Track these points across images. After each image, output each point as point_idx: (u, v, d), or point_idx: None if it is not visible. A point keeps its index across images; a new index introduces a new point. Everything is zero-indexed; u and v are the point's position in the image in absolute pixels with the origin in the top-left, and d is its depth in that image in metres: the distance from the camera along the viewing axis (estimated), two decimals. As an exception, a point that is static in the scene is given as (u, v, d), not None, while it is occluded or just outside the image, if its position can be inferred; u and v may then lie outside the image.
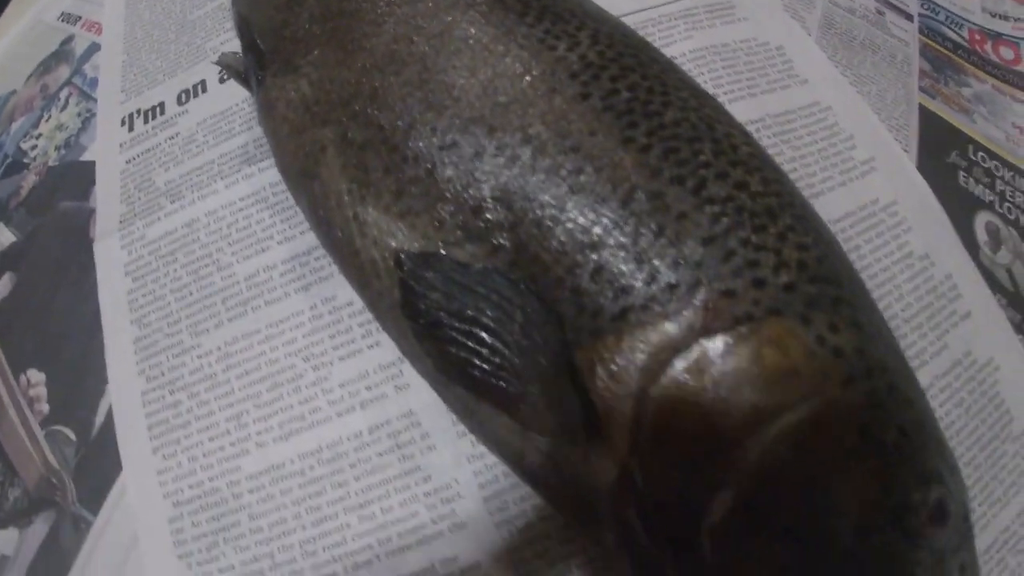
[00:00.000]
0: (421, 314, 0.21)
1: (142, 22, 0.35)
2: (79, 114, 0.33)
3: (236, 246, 0.30)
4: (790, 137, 0.34)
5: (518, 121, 0.22)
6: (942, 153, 0.38)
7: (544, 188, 0.21)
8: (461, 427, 0.27)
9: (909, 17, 0.44)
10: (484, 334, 0.20)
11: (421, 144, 0.22)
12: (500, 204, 0.21)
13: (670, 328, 0.19)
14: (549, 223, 0.21)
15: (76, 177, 0.32)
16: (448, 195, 0.22)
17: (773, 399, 0.19)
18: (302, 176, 0.25)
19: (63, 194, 0.32)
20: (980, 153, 0.40)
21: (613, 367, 0.19)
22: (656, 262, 0.20)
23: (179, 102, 0.33)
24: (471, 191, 0.22)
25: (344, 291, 0.29)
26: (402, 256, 0.22)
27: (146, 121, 0.33)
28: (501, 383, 0.20)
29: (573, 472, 0.21)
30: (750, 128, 0.25)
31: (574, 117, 0.22)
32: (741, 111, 0.33)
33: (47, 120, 0.33)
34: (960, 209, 0.36)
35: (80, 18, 0.36)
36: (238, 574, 0.26)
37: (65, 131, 0.33)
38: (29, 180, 0.33)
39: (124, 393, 0.29)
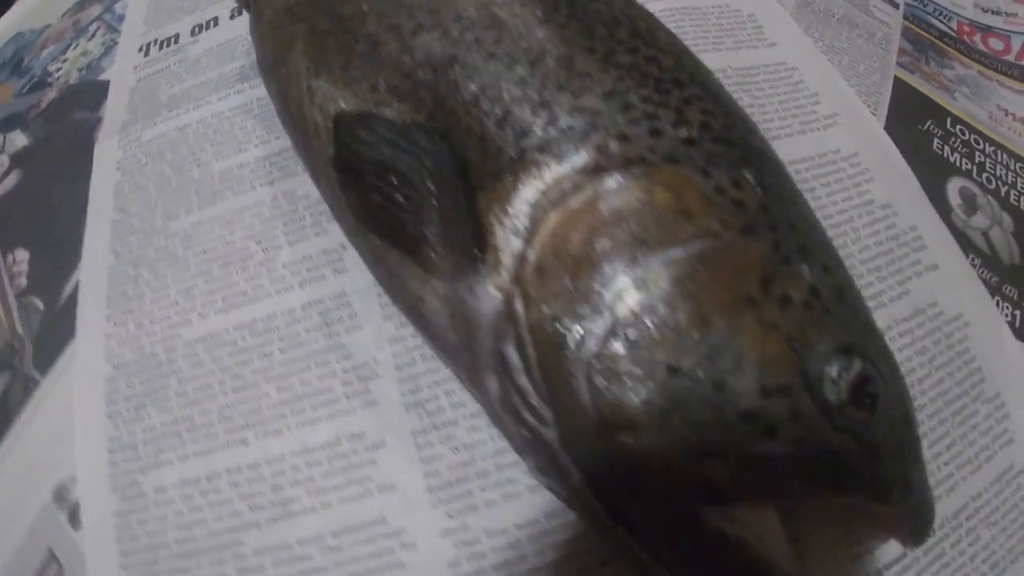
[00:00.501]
0: (347, 165, 0.23)
1: None
2: (103, 43, 0.38)
3: (218, 147, 0.33)
4: (751, 87, 0.36)
5: (455, 7, 0.24)
6: (915, 121, 0.39)
7: (466, 53, 0.23)
8: (388, 310, 0.28)
9: (895, 5, 0.45)
10: (396, 179, 0.22)
11: (370, 27, 0.25)
12: (426, 68, 0.23)
13: (563, 167, 0.20)
14: (465, 80, 0.23)
15: (91, 93, 0.37)
16: (386, 65, 0.24)
17: (660, 234, 0.19)
18: (274, 64, 0.28)
19: (77, 107, 0.36)
20: (959, 126, 0.40)
21: (509, 205, 0.21)
22: (556, 110, 0.21)
23: (192, 34, 0.38)
24: (405, 59, 0.24)
25: (304, 186, 0.31)
26: (339, 116, 0.24)
27: (160, 48, 0.37)
28: (407, 227, 0.21)
29: (463, 312, 0.21)
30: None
31: (502, 3, 0.24)
32: (705, 61, 0.34)
33: (74, 48, 0.38)
34: (932, 172, 0.36)
35: None
36: (158, 434, 0.27)
37: (88, 56, 0.38)
38: (49, 95, 0.37)
39: (93, 267, 0.31)
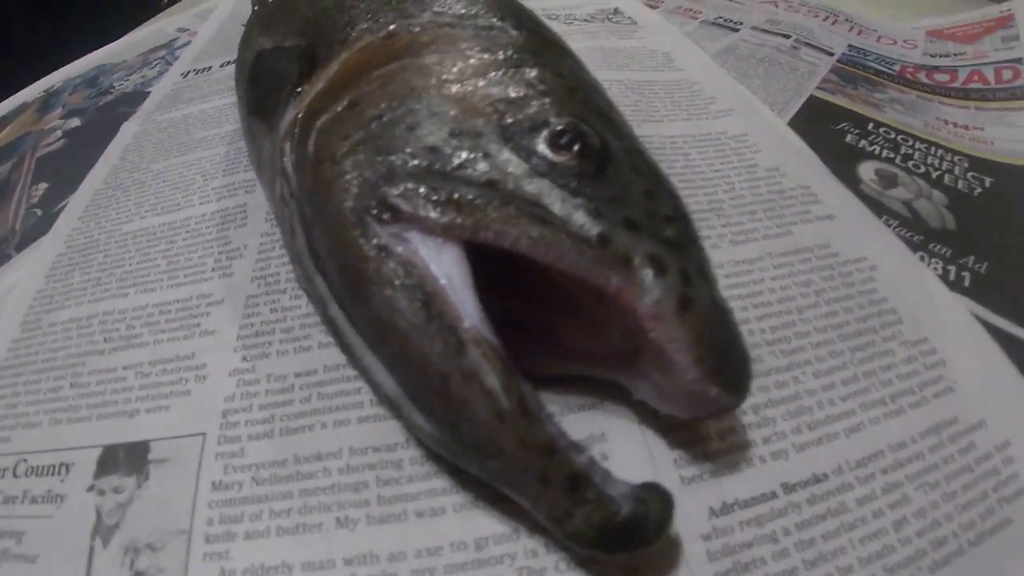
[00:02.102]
0: (253, 77, 0.31)
1: (223, 32, 0.57)
2: (158, 71, 0.52)
3: (204, 124, 0.43)
4: (644, 91, 0.41)
5: None
6: (827, 123, 0.41)
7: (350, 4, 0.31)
8: (270, 216, 0.33)
9: (829, 53, 0.48)
10: (271, 74, 0.29)
11: (302, 8, 0.34)
12: (318, 15, 0.31)
13: (369, 38, 0.27)
14: (337, 14, 0.30)
15: (137, 98, 0.50)
16: (297, 17, 0.33)
17: (412, 51, 0.24)
18: (244, 39, 0.39)
19: (123, 105, 0.49)
20: (882, 128, 0.40)
21: (328, 67, 0.27)
22: (377, 13, 0.28)
23: (221, 66, 0.51)
24: (308, 13, 0.33)
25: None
26: (258, 52, 0.33)
27: (197, 74, 0.51)
28: (270, 97, 0.28)
29: (274, 139, 0.27)
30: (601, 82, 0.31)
31: None
32: (600, 75, 0.40)
33: (137, 74, 0.53)
34: (841, 157, 0.38)
35: (187, 29, 0.59)
36: (72, 288, 0.32)
37: (145, 78, 0.52)
38: (107, 99, 0.51)
39: (85, 190, 0.40)
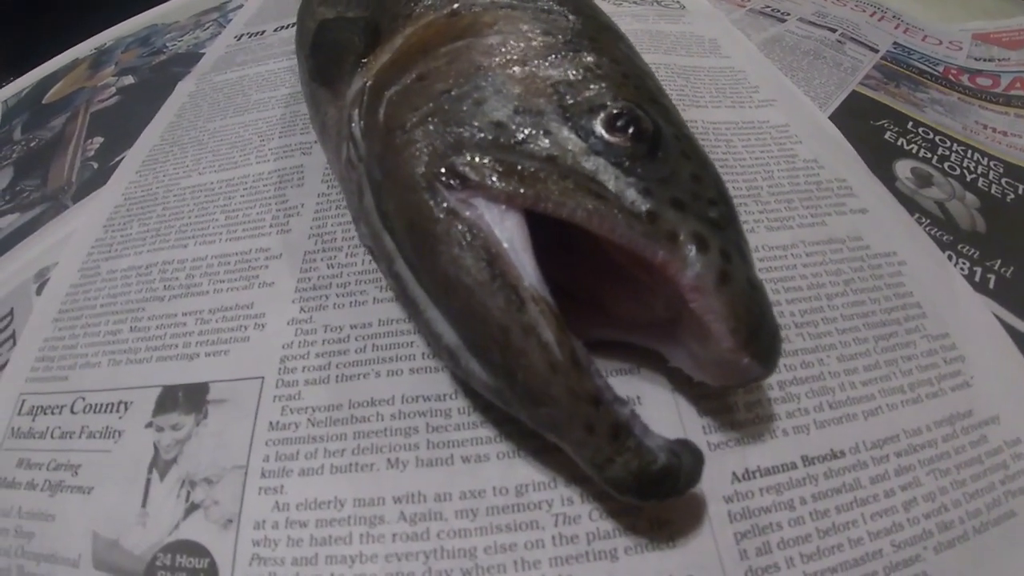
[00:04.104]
0: (316, 45, 0.32)
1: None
2: (211, 33, 0.54)
3: (260, 87, 0.44)
4: (690, 76, 0.42)
5: None
6: (868, 118, 0.41)
7: None
8: (327, 177, 0.35)
9: (874, 50, 0.48)
10: (335, 44, 0.30)
11: None
12: None
13: (432, 16, 0.28)
14: None
15: (190, 58, 0.51)
16: None
17: (475, 32, 0.25)
18: (303, 6, 0.39)
19: (177, 65, 0.51)
20: (921, 128, 0.41)
21: (392, 40, 0.28)
22: None
23: (275, 31, 0.52)
24: None
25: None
26: (321, 21, 0.33)
27: (250, 37, 0.52)
28: (334, 67, 0.30)
29: (340, 106, 0.28)
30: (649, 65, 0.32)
31: None
32: (647, 58, 0.40)
33: (190, 35, 0.54)
34: (879, 153, 0.39)
35: None
36: (132, 238, 0.34)
37: (198, 40, 0.53)
38: (161, 58, 0.52)
39: (142, 146, 0.42)
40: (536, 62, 0.24)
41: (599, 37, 0.27)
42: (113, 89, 0.50)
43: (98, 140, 0.45)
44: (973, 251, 0.33)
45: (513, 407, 0.20)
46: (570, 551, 0.22)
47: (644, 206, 0.20)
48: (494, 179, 0.20)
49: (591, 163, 0.21)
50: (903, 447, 0.25)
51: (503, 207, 0.20)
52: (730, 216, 0.22)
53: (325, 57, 0.31)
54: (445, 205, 0.20)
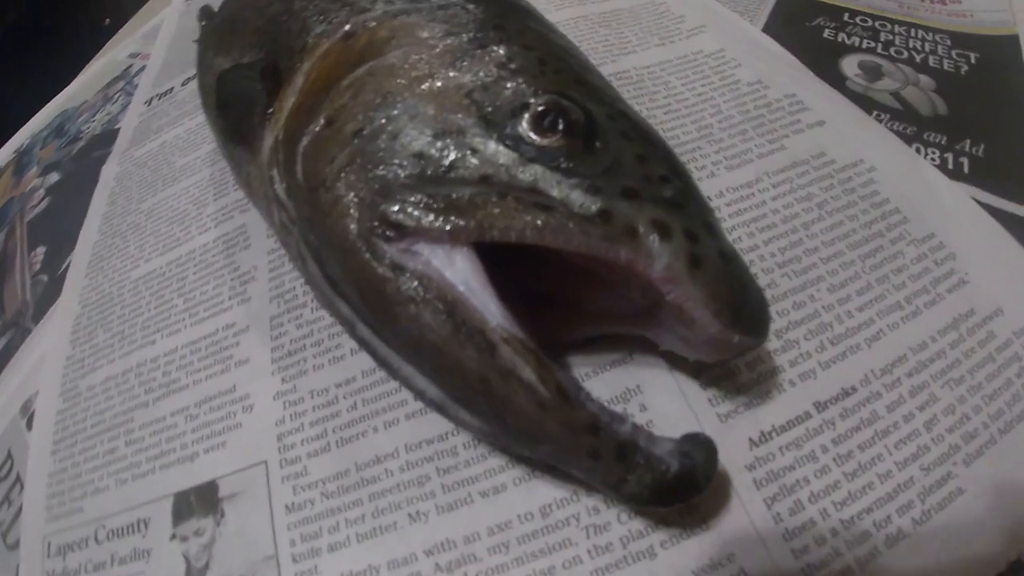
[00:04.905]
0: (221, 102, 0.30)
1: (175, 50, 0.55)
2: (122, 104, 0.51)
3: (183, 150, 0.42)
4: (611, 22, 0.40)
5: None
6: (802, 20, 0.40)
7: (292, 4, 0.30)
8: (271, 232, 0.33)
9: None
10: (240, 96, 0.28)
11: (244, 12, 0.33)
12: (269, 23, 0.30)
13: (328, 42, 0.26)
14: (289, 20, 0.29)
15: (108, 138, 0.49)
16: (248, 32, 0.32)
17: (374, 52, 0.24)
18: (200, 62, 0.37)
19: (97, 148, 0.48)
20: (858, 17, 0.40)
21: (294, 79, 0.26)
22: (331, 14, 0.27)
23: (182, 84, 0.49)
24: (258, 23, 0.31)
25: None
26: (219, 74, 0.31)
27: (160, 99, 0.50)
28: (244, 121, 0.28)
29: (260, 165, 0.27)
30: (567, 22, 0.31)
31: None
32: (564, 14, 0.38)
33: (102, 112, 0.52)
34: (822, 56, 0.37)
35: (139, 53, 0.57)
36: (100, 346, 0.33)
37: (110, 115, 0.51)
38: (79, 145, 0.50)
39: (84, 244, 0.40)
40: (444, 72, 0.22)
41: (505, 23, 0.25)
42: (42, 192, 0.48)
43: (41, 250, 0.43)
44: (940, 137, 0.32)
45: (512, 448, 0.20)
46: (608, 560, 0.21)
47: (594, 206, 0.19)
48: (430, 219, 0.18)
49: (528, 173, 0.19)
50: (912, 365, 0.24)
51: (448, 247, 0.18)
52: (686, 189, 0.21)
53: (232, 114, 0.29)
54: (388, 261, 0.19)
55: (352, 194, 0.20)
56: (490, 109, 0.20)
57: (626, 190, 0.19)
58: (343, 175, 0.21)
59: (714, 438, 0.22)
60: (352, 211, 0.20)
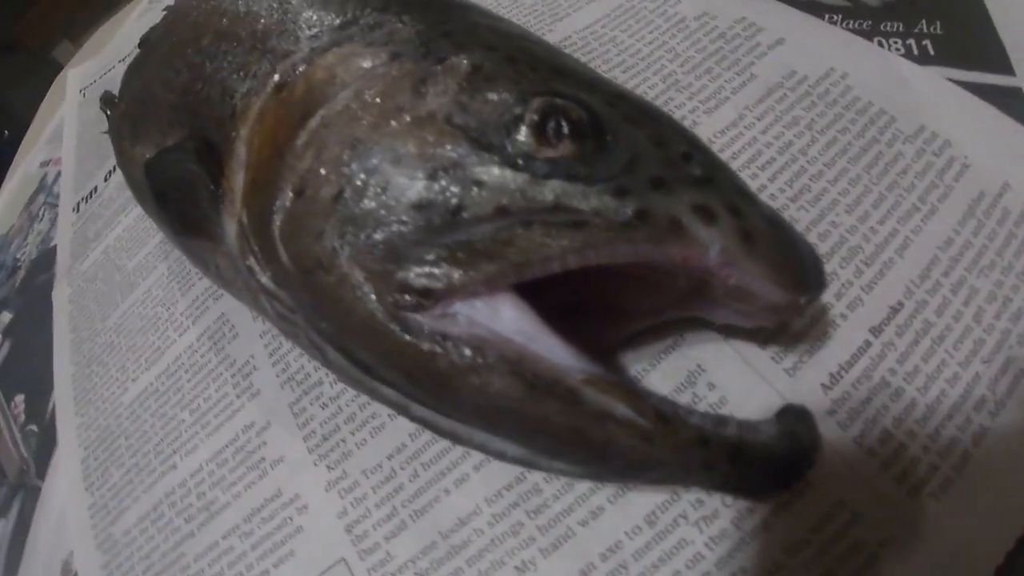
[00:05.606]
0: (158, 194, 0.27)
1: (86, 145, 0.51)
2: (50, 219, 0.47)
3: (129, 251, 0.39)
4: None
5: (196, 45, 0.28)
6: None
7: (200, 71, 0.27)
8: (255, 313, 0.31)
9: None
10: (178, 183, 0.25)
11: (152, 89, 0.30)
12: (181, 96, 0.28)
13: (260, 100, 0.23)
14: (202, 87, 0.26)
15: (47, 259, 0.45)
16: (162, 111, 0.29)
17: (315, 103, 0.21)
18: (118, 155, 0.34)
19: (39, 273, 0.45)
20: None
21: (235, 152, 0.24)
22: (251, 66, 0.24)
23: (104, 179, 0.46)
24: (170, 98, 0.28)
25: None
26: (146, 163, 0.28)
27: (86, 202, 0.46)
28: (195, 211, 0.25)
29: (230, 256, 0.24)
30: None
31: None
32: None
33: (32, 233, 0.48)
34: None
35: (50, 160, 0.53)
36: (119, 487, 0.31)
37: (42, 235, 0.47)
38: (20, 275, 0.46)
39: (62, 382, 0.37)
40: (409, 101, 0.20)
41: (451, 27, 0.23)
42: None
43: (20, 399, 0.39)
44: (896, 25, 0.31)
45: (619, 482, 0.19)
46: (727, 547, 0.21)
47: (629, 208, 0.17)
48: (459, 274, 0.17)
49: (547, 192, 0.17)
50: (946, 264, 0.24)
51: (487, 297, 0.17)
52: (710, 160, 0.19)
53: (174, 206, 0.26)
54: (428, 334, 0.17)
55: (358, 270, 0.18)
56: (479, 131, 0.18)
57: (654, 180, 0.17)
58: (339, 250, 0.18)
59: (787, 394, 0.21)
60: (365, 289, 0.18)
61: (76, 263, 0.42)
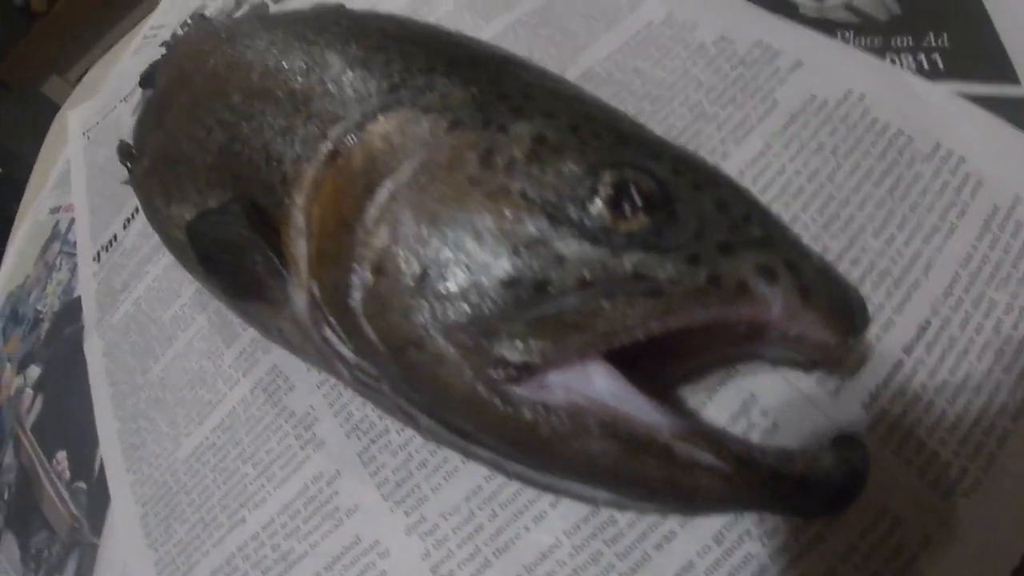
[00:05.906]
0: (204, 257, 0.28)
1: (97, 191, 0.50)
2: (69, 269, 0.47)
3: (162, 302, 0.40)
4: (550, 20, 0.39)
5: (225, 98, 0.29)
6: None
7: (237, 129, 0.27)
8: (310, 366, 0.32)
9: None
10: (228, 247, 0.26)
11: (183, 147, 0.31)
12: (219, 156, 0.28)
13: (312, 168, 0.24)
14: (243, 148, 0.27)
15: (72, 310, 0.45)
16: (199, 170, 0.29)
17: (380, 175, 0.22)
18: (149, 213, 0.35)
19: (66, 325, 0.45)
20: None
21: (292, 219, 0.24)
22: (297, 129, 0.25)
23: (123, 227, 0.46)
24: (207, 158, 0.29)
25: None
26: (187, 224, 0.28)
27: (106, 251, 0.46)
28: (243, 274, 0.26)
29: (299, 322, 0.25)
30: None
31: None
32: (498, 24, 0.36)
33: (51, 283, 0.48)
34: None
35: (59, 206, 0.52)
36: (185, 542, 0.32)
37: (62, 285, 0.47)
38: (44, 327, 0.46)
39: (108, 438, 0.37)
40: (481, 174, 0.20)
41: (506, 90, 0.23)
42: (30, 391, 0.44)
43: (62, 455, 0.39)
44: (905, 40, 0.32)
45: (695, 515, 0.20)
46: (787, 558, 0.23)
47: (702, 274, 0.18)
48: (553, 348, 0.18)
49: (626, 263, 0.19)
50: (967, 280, 0.26)
51: (579, 366, 0.18)
52: (767, 219, 0.21)
53: (225, 269, 0.27)
54: (528, 405, 0.18)
55: (452, 347, 0.19)
56: (554, 204, 0.19)
57: (721, 245, 0.19)
58: (430, 328, 0.19)
59: (830, 415, 0.23)
60: (463, 365, 0.19)
61: (106, 316, 0.43)
